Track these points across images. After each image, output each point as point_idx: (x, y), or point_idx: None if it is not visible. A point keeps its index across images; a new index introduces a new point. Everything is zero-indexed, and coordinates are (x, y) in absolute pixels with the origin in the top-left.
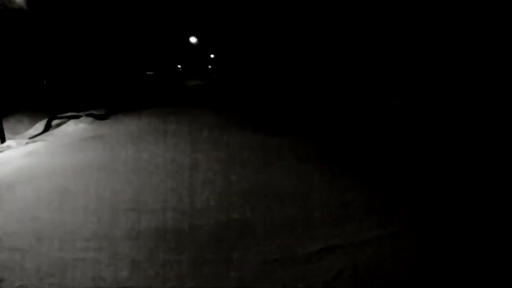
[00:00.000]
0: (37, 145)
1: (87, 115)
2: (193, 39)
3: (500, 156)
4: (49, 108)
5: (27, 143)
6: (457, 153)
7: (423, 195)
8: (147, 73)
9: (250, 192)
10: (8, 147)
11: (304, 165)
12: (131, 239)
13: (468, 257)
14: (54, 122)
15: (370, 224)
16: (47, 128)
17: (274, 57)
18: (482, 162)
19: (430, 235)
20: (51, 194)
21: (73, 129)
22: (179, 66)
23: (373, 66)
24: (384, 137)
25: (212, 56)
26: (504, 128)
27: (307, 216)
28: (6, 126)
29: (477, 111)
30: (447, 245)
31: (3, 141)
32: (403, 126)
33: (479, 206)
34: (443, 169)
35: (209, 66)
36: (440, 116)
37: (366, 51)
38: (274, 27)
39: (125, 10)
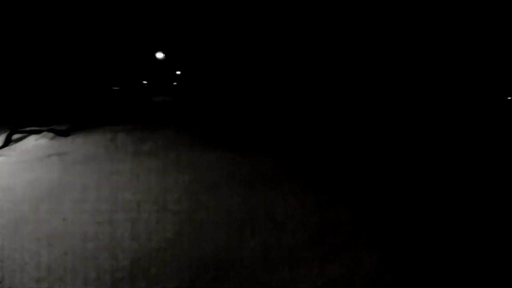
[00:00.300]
0: None
1: (49, 131)
2: (159, 55)
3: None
4: (10, 120)
5: None
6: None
7: (404, 218)
8: (113, 88)
9: (223, 222)
10: None
11: (277, 187)
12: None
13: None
14: (14, 136)
15: (357, 254)
16: (7, 142)
17: (240, 74)
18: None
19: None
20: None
21: (33, 144)
22: (144, 82)
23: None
24: (351, 153)
25: (178, 72)
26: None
27: (286, 247)
28: None
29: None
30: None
31: None
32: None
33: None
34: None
35: (175, 83)
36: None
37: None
38: (241, 43)
39: (91, 22)
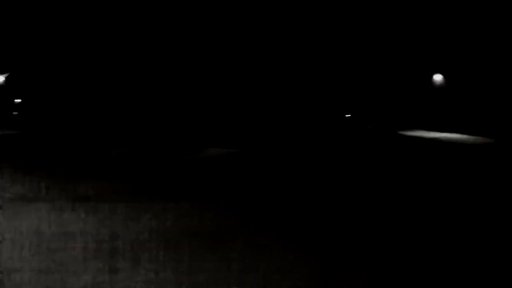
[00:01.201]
0: None
1: None
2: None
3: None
4: None
5: None
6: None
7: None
8: None
9: None
10: None
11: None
12: None
13: None
14: None
15: None
16: None
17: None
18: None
19: None
20: None
21: None
22: None
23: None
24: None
25: (17, 100)
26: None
27: None
28: None
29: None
30: None
31: None
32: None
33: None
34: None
35: (14, 113)
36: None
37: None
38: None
39: None
